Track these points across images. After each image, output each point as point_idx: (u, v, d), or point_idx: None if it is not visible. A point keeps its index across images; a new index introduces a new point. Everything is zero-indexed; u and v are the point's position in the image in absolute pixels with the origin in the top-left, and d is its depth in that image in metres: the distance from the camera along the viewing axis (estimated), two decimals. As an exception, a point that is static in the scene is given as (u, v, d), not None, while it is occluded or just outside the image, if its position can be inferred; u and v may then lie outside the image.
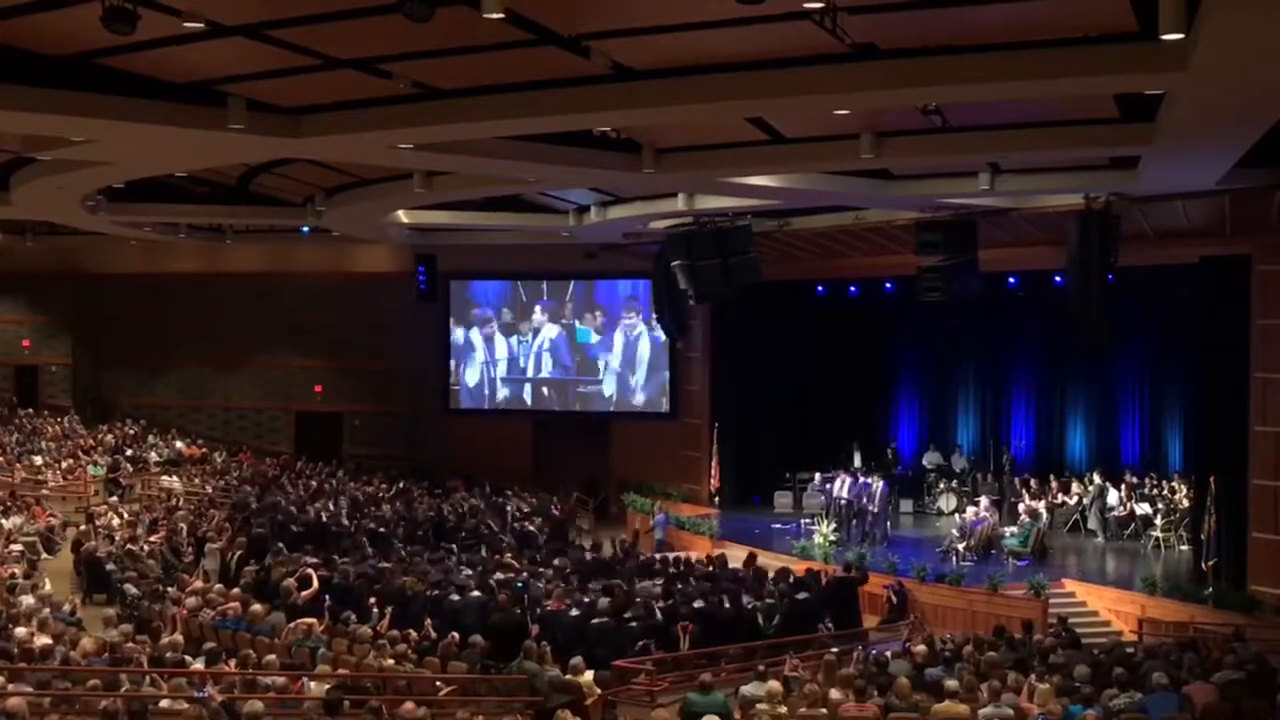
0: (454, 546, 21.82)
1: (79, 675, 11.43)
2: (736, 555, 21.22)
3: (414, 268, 28.89)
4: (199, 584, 17.11)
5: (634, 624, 15.71)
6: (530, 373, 30.82)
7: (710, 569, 19.42)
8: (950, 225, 18.53)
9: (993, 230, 18.91)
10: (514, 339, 30.96)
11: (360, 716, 10.02)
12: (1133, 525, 23.20)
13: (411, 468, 30.63)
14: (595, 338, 30.35)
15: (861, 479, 24.00)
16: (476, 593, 16.62)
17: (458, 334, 31.26)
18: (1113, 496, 23.95)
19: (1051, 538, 22.51)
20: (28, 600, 15.13)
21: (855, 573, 19.37)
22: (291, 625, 14.36)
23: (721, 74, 11.12)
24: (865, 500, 23.41)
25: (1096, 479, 24.25)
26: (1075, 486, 24.67)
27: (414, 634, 14.65)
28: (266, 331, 32.65)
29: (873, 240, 21.85)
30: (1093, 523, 23.63)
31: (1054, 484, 25.08)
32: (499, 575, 17.95)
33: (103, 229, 25.55)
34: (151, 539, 21.34)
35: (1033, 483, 25.06)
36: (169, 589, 17.10)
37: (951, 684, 11.28)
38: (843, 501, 23.74)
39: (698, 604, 16.55)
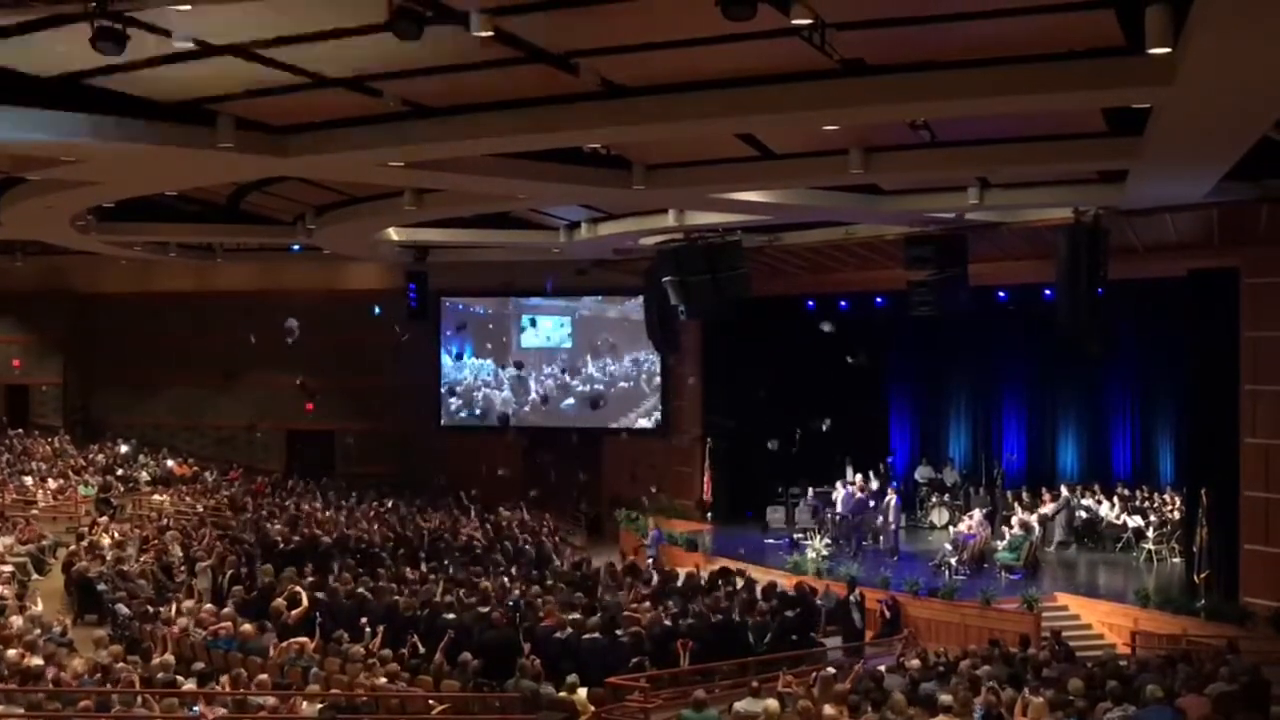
0: (447, 564, 21.73)
1: (70, 696, 11.39)
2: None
3: (405, 285, 28.88)
4: (190, 604, 17.04)
5: (628, 641, 15.68)
6: (521, 389, 30.81)
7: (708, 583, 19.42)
8: (940, 240, 18.58)
9: (982, 245, 18.96)
10: (504, 355, 30.98)
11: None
12: (1124, 538, 23.22)
13: (403, 485, 30.55)
14: (586, 353, 30.39)
15: (860, 493, 23.90)
16: (469, 611, 16.57)
17: (448, 351, 31.25)
18: (1105, 508, 24.00)
19: (1043, 551, 22.50)
20: (17, 621, 15.07)
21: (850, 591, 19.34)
22: (283, 644, 14.31)
23: (711, 90, 11.15)
24: (867, 513, 23.39)
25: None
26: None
27: (404, 653, 14.63)
28: (257, 350, 32.55)
29: (863, 255, 21.90)
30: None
31: (1045, 496, 25.06)
32: (492, 593, 17.88)
33: (93, 248, 25.52)
34: (142, 559, 21.25)
35: (1025, 496, 25.06)
36: (160, 609, 17.03)
37: (945, 699, 11.26)
38: (838, 515, 23.74)
39: (692, 621, 16.52)
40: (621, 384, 30.10)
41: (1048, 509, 23.88)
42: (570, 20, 9.76)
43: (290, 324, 27.09)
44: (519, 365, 30.90)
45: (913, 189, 16.85)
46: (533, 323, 30.90)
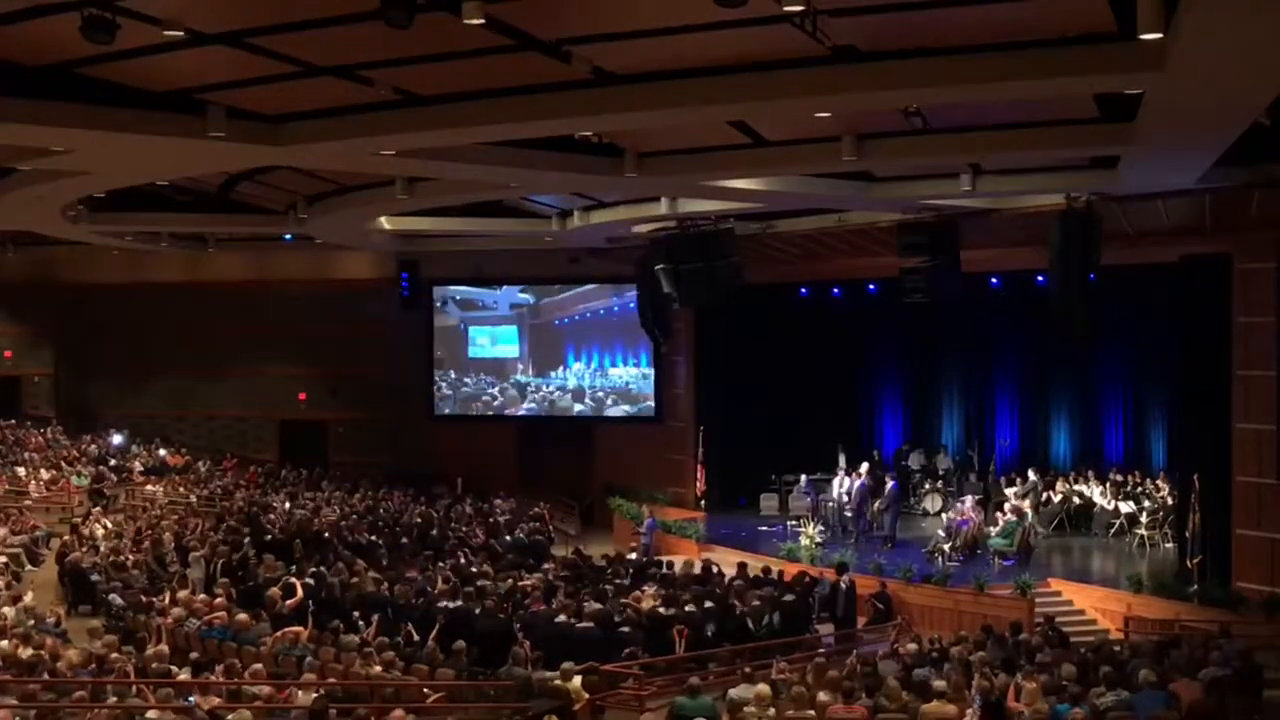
0: (441, 553, 21.74)
1: (65, 687, 11.37)
2: (725, 560, 21.26)
3: (397, 274, 28.87)
4: (184, 594, 17.03)
5: (623, 630, 15.69)
6: (514, 379, 30.80)
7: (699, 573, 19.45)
8: (932, 227, 18.59)
9: (975, 231, 18.96)
10: (497, 345, 30.96)
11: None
12: (1117, 524, 23.26)
13: (396, 475, 30.53)
14: (580, 342, 30.37)
15: (860, 480, 23.87)
16: (463, 600, 16.58)
17: (439, 338, 31.22)
18: (1097, 494, 24.04)
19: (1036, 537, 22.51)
20: (10, 612, 15.05)
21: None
22: (278, 634, 14.31)
23: (702, 78, 11.14)
24: (868, 501, 23.42)
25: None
26: (1060, 485, 24.70)
27: (399, 641, 14.63)
28: (250, 340, 32.51)
29: (855, 242, 21.89)
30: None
31: (1016, 481, 25.03)
32: (486, 582, 17.89)
33: (84, 239, 25.45)
34: (137, 549, 21.24)
35: (1018, 482, 25.07)
36: (154, 599, 17.02)
37: (939, 684, 11.29)
38: (843, 503, 23.75)
39: (690, 608, 16.54)
40: (613, 371, 30.07)
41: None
42: (562, 7, 9.73)
43: None
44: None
45: (905, 175, 16.85)
46: (522, 299, 30.87)
